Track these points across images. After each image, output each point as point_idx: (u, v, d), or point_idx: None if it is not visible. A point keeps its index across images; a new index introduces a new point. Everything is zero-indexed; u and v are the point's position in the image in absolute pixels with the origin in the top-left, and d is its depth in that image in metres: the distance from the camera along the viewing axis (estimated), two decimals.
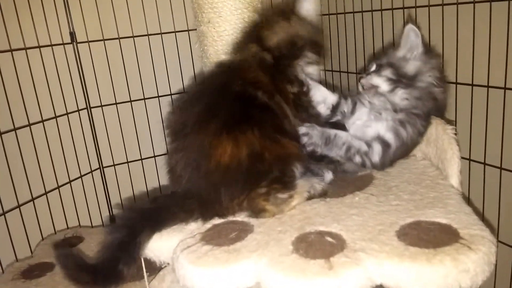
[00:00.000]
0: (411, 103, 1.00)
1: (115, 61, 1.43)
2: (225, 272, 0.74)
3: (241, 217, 0.90)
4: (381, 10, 1.35)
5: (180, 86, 1.52)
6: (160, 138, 1.51)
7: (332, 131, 0.99)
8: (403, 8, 1.27)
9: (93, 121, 1.45)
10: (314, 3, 1.04)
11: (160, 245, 0.86)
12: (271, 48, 1.02)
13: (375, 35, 1.40)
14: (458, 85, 1.17)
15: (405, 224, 0.79)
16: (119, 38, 1.41)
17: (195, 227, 0.88)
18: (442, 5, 1.16)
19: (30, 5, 1.25)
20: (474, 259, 0.67)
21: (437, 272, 0.66)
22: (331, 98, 1.05)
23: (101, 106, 1.45)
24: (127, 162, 1.51)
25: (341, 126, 1.05)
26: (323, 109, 1.04)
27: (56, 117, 1.34)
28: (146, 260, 0.90)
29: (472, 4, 1.09)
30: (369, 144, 0.99)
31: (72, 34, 1.36)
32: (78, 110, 1.41)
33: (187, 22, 1.46)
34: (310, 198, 0.93)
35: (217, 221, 0.89)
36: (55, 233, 1.36)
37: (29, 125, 1.26)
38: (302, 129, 0.97)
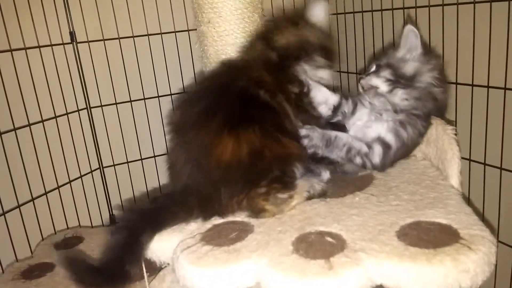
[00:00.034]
0: (411, 104, 1.00)
1: (115, 61, 1.43)
2: (225, 272, 0.74)
3: (241, 217, 0.90)
4: (381, 10, 1.35)
5: (180, 86, 1.52)
6: (160, 138, 1.52)
7: (333, 133, 0.99)
8: (403, 8, 1.27)
9: (93, 121, 1.45)
10: (324, 10, 1.05)
11: (160, 246, 0.86)
12: (277, 48, 1.03)
13: (375, 35, 1.40)
14: (458, 85, 1.17)
15: (405, 224, 0.79)
16: (119, 38, 1.41)
17: (195, 228, 0.88)
18: (442, 5, 1.16)
19: (30, 5, 1.25)
20: (474, 259, 0.67)
21: (437, 272, 0.66)
22: (333, 98, 1.05)
23: (101, 106, 1.45)
24: (127, 162, 1.51)
25: (341, 126, 1.05)
26: (325, 110, 1.04)
27: (56, 117, 1.34)
28: (146, 260, 0.90)
29: (472, 4, 1.09)
30: (369, 145, 0.99)
31: (72, 34, 1.36)
32: (78, 110, 1.41)
33: (187, 22, 1.46)
34: (309, 198, 0.93)
35: (217, 221, 0.89)
36: (55, 233, 1.36)
37: (29, 125, 1.26)
38: (303, 131, 0.97)
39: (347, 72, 1.50)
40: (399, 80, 1.00)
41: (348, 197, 0.93)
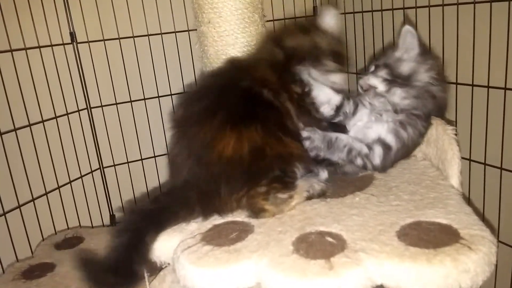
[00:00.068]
0: (411, 103, 1.00)
1: (115, 61, 1.43)
2: (226, 273, 0.74)
3: (241, 217, 0.90)
4: (381, 10, 1.35)
5: (180, 86, 1.52)
6: (160, 138, 1.53)
7: (333, 134, 0.99)
8: (403, 8, 1.27)
9: (93, 121, 1.45)
10: (336, 17, 1.06)
11: (161, 246, 0.86)
12: (285, 48, 1.04)
13: (375, 35, 1.40)
14: (458, 86, 1.17)
15: (405, 224, 0.79)
16: (119, 38, 1.42)
17: (195, 228, 0.88)
18: (443, 5, 1.16)
19: (30, 5, 1.25)
20: (475, 259, 0.67)
21: (437, 272, 0.67)
22: (335, 98, 1.05)
23: (101, 106, 1.45)
24: (127, 162, 1.51)
25: (342, 127, 1.05)
26: (327, 109, 1.04)
27: (56, 117, 1.34)
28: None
29: (472, 5, 1.09)
30: (370, 147, 1.00)
31: (72, 34, 1.36)
32: (78, 110, 1.41)
33: (187, 22, 1.46)
34: (309, 198, 0.93)
35: (217, 221, 0.89)
36: (56, 233, 1.36)
37: (29, 125, 1.26)
38: (304, 133, 0.98)
39: (347, 72, 1.50)
40: (396, 79, 1.01)
41: (348, 197, 0.93)
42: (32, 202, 1.28)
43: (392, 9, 1.31)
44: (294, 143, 0.94)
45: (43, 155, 1.31)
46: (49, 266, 1.16)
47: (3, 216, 1.19)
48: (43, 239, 1.32)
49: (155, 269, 1.07)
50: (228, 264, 0.74)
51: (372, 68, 1.07)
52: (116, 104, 1.46)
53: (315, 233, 0.80)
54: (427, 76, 1.01)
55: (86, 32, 1.38)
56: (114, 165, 1.50)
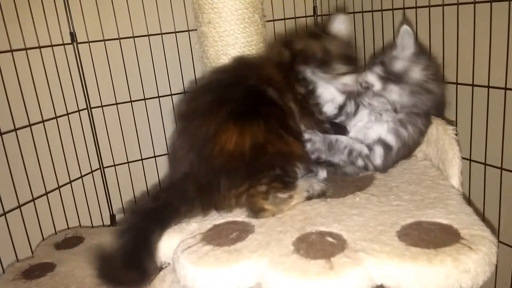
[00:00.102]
0: (409, 101, 1.00)
1: (115, 61, 1.43)
2: (226, 272, 0.74)
3: (241, 217, 0.90)
4: (382, 10, 1.35)
5: (181, 86, 1.52)
6: (161, 138, 1.53)
7: (333, 136, 1.00)
8: (404, 8, 1.27)
9: (94, 121, 1.45)
10: (345, 22, 1.08)
11: (161, 246, 0.86)
12: (293, 49, 1.05)
13: (376, 35, 1.40)
14: (458, 86, 1.18)
15: (406, 224, 0.79)
16: (119, 39, 1.42)
17: (195, 228, 0.87)
18: (443, 5, 1.16)
19: (31, 5, 1.25)
20: (475, 260, 0.67)
21: (438, 273, 0.66)
22: (339, 98, 1.05)
23: (102, 106, 1.45)
24: (128, 162, 1.51)
25: (342, 127, 1.05)
26: (331, 108, 1.04)
27: (56, 117, 1.34)
28: None
29: (472, 5, 1.09)
30: (370, 147, 1.00)
31: (73, 35, 1.36)
32: (79, 111, 1.41)
33: (187, 22, 1.46)
34: (309, 198, 0.93)
35: (217, 221, 0.89)
36: (56, 233, 1.36)
37: (30, 125, 1.26)
38: (305, 135, 0.98)
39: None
40: (390, 76, 1.01)
41: (348, 197, 0.93)
42: (32, 202, 1.28)
43: (392, 9, 1.31)
44: (296, 143, 0.94)
45: (43, 155, 1.31)
46: (49, 266, 1.16)
47: (3, 216, 1.19)
48: (43, 239, 1.32)
49: (156, 269, 1.07)
50: (228, 264, 0.74)
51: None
52: (116, 104, 1.46)
53: (316, 233, 0.80)
54: (420, 73, 1.01)
55: (87, 32, 1.38)
56: (114, 165, 1.50)
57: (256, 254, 0.76)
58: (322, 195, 0.95)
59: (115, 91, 1.45)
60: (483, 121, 1.12)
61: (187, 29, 1.47)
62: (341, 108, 1.05)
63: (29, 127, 1.26)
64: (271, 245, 0.78)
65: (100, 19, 1.38)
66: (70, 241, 1.29)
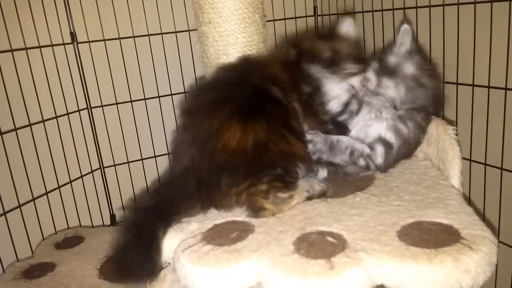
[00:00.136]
0: (405, 96, 1.00)
1: (115, 61, 1.43)
2: (226, 272, 0.74)
3: (241, 217, 0.90)
4: (382, 10, 1.35)
5: (181, 86, 1.52)
6: (161, 138, 1.53)
7: (335, 137, 1.00)
8: (404, 8, 1.27)
9: (94, 121, 1.45)
10: (353, 25, 1.10)
11: (162, 247, 0.86)
12: (300, 48, 1.06)
13: (376, 35, 1.40)
14: (459, 86, 1.18)
15: (406, 224, 0.79)
16: (119, 38, 1.42)
17: (196, 227, 0.87)
18: (443, 5, 1.16)
19: (31, 5, 1.25)
20: (475, 259, 0.67)
21: (438, 272, 0.67)
22: (344, 96, 1.05)
23: (102, 106, 1.45)
24: (128, 162, 1.51)
25: (344, 127, 1.05)
26: (336, 105, 1.04)
27: (56, 117, 1.34)
28: None
29: (473, 5, 1.09)
30: (371, 147, 1.00)
31: (73, 34, 1.36)
32: (79, 110, 1.41)
33: (187, 22, 1.46)
34: (309, 198, 0.93)
35: (218, 221, 0.89)
36: (56, 233, 1.35)
37: (30, 125, 1.26)
38: (307, 136, 0.98)
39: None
40: (384, 71, 1.02)
41: (349, 197, 0.93)
42: (33, 201, 1.28)
43: (393, 9, 1.31)
44: (299, 143, 0.94)
45: (43, 155, 1.31)
46: (49, 265, 1.16)
47: (4, 216, 1.19)
48: (43, 239, 1.32)
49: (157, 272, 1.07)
50: (229, 264, 0.74)
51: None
52: (117, 104, 1.46)
53: (316, 233, 0.80)
54: (413, 69, 1.02)
55: (87, 32, 1.38)
56: (115, 165, 1.49)
57: (257, 254, 0.76)
58: (322, 195, 0.95)
59: (115, 91, 1.45)
60: (483, 121, 1.12)
61: (187, 29, 1.47)
62: (346, 105, 1.05)
63: (29, 127, 1.26)
64: (271, 245, 0.78)
65: (100, 19, 1.38)
66: (70, 241, 1.29)
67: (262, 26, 1.28)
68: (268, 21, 1.41)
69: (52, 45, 1.31)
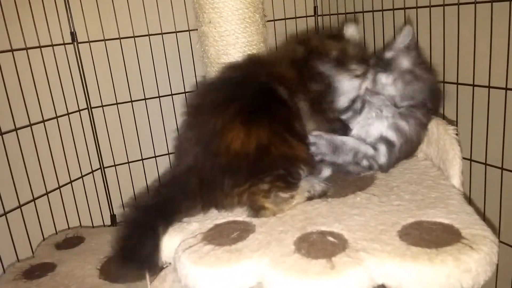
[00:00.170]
0: (403, 91, 1.01)
1: (116, 61, 1.43)
2: (227, 272, 0.74)
3: (242, 217, 0.90)
4: (382, 10, 1.35)
5: (181, 86, 1.52)
6: (161, 138, 1.53)
7: (339, 139, 1.00)
8: (404, 8, 1.27)
9: (94, 121, 1.45)
10: (356, 30, 1.13)
11: (162, 245, 0.86)
12: (308, 45, 1.06)
13: (376, 35, 1.40)
14: (459, 86, 1.17)
15: (406, 224, 0.79)
16: (120, 38, 1.42)
17: (196, 227, 0.87)
18: (443, 5, 1.16)
19: (31, 5, 1.25)
20: (476, 259, 0.67)
21: (439, 272, 0.67)
22: (352, 92, 1.05)
23: (102, 106, 1.45)
24: (128, 162, 1.51)
25: (346, 126, 1.05)
26: (343, 101, 1.04)
27: (57, 117, 1.34)
28: None
29: (473, 5, 1.09)
30: (374, 147, 1.00)
31: (73, 34, 1.36)
32: (79, 110, 1.41)
33: (188, 22, 1.46)
34: (310, 198, 0.93)
35: (218, 220, 0.89)
36: (56, 233, 1.36)
37: (30, 125, 1.26)
38: (311, 139, 0.98)
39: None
40: (379, 65, 1.04)
41: (349, 197, 0.93)
42: (33, 202, 1.28)
43: (393, 9, 1.31)
44: (301, 146, 0.94)
45: (43, 155, 1.31)
46: (49, 266, 1.16)
47: (4, 216, 1.19)
48: (43, 239, 1.32)
49: (156, 269, 1.07)
50: (229, 264, 0.74)
51: None
52: (117, 104, 1.46)
53: (317, 233, 0.80)
54: (408, 62, 1.03)
55: (87, 32, 1.38)
56: (115, 165, 1.49)
57: (257, 253, 0.76)
58: (323, 195, 0.95)
59: (115, 91, 1.45)
60: (484, 121, 1.12)
61: (187, 29, 1.47)
62: (353, 102, 1.05)
63: (29, 127, 1.26)
64: (272, 245, 0.78)
65: (100, 19, 1.38)
66: (70, 241, 1.29)
67: (262, 26, 1.28)
68: (268, 21, 1.41)
69: (52, 45, 1.32)
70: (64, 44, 1.35)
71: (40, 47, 1.28)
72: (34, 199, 1.28)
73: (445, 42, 1.19)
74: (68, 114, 1.38)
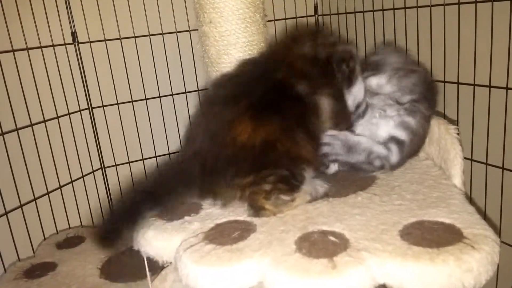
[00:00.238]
0: (400, 85, 1.02)
1: (116, 61, 1.43)
2: (228, 272, 0.74)
3: (243, 216, 0.90)
4: (383, 10, 1.35)
5: (182, 86, 1.52)
6: (162, 138, 1.53)
7: (353, 139, 1.00)
8: (405, 8, 1.27)
9: (95, 121, 1.45)
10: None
11: (163, 245, 0.86)
12: (329, 46, 1.06)
13: (377, 35, 1.40)
14: (460, 85, 1.17)
15: (408, 223, 0.79)
16: (120, 39, 1.42)
17: (197, 227, 0.88)
18: (444, 5, 1.16)
19: (32, 5, 1.25)
20: (478, 259, 0.67)
21: (440, 272, 0.66)
22: (360, 95, 1.06)
23: (103, 106, 1.45)
24: (129, 162, 1.51)
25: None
26: (351, 102, 1.05)
27: (58, 117, 1.34)
28: (148, 259, 0.90)
29: (473, 4, 1.09)
30: (387, 147, 1.00)
31: (74, 35, 1.37)
32: (80, 110, 1.42)
33: (188, 22, 1.47)
34: (312, 200, 0.93)
35: (219, 220, 0.89)
36: (57, 232, 1.36)
37: (31, 125, 1.26)
38: (325, 139, 0.98)
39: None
40: (367, 68, 1.05)
41: (350, 197, 0.93)
42: (34, 201, 1.28)
43: (393, 9, 1.31)
44: (308, 145, 0.93)
45: (44, 155, 1.31)
46: (50, 265, 1.16)
47: (5, 216, 1.19)
48: (44, 239, 1.32)
49: (157, 268, 1.07)
50: (230, 263, 0.74)
51: None
52: (118, 104, 1.46)
53: (318, 232, 0.80)
54: (396, 59, 1.05)
55: (88, 32, 1.38)
56: (116, 165, 1.50)
57: (258, 253, 0.76)
58: (325, 196, 0.95)
59: (116, 91, 1.45)
60: (484, 121, 1.12)
61: (188, 29, 1.47)
62: (358, 106, 1.05)
63: (30, 127, 1.26)
64: (273, 244, 0.77)
65: (101, 19, 1.38)
66: (71, 241, 1.30)
67: (263, 26, 1.28)
68: (269, 21, 1.41)
69: (53, 45, 1.32)
70: (65, 44, 1.35)
71: (41, 47, 1.28)
72: (35, 199, 1.28)
73: (446, 41, 1.19)
74: (69, 114, 1.38)
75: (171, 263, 0.88)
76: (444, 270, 0.66)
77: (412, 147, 1.02)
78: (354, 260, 0.70)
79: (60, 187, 1.36)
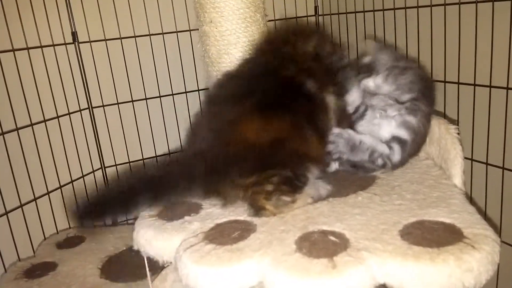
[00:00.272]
0: (397, 83, 1.01)
1: (116, 61, 1.43)
2: (228, 272, 0.74)
3: (243, 216, 0.90)
4: (383, 10, 1.35)
5: (182, 86, 1.52)
6: (162, 138, 1.53)
7: (357, 137, 1.00)
8: (405, 8, 1.27)
9: (95, 121, 1.45)
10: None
11: (163, 244, 0.86)
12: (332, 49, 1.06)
13: (377, 35, 1.40)
14: (460, 85, 1.17)
15: (408, 223, 0.79)
16: (120, 38, 1.42)
17: (198, 226, 0.87)
18: (444, 5, 1.16)
19: (32, 5, 1.25)
20: (478, 258, 0.67)
21: (440, 272, 0.66)
22: (358, 99, 1.06)
23: (103, 106, 1.45)
24: (129, 162, 1.51)
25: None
26: (350, 105, 1.05)
27: (58, 117, 1.34)
28: (148, 259, 0.90)
29: (474, 4, 1.09)
30: (390, 146, 1.00)
31: (74, 34, 1.37)
32: (80, 110, 1.42)
33: (188, 22, 1.47)
34: (313, 202, 0.93)
35: (219, 220, 0.89)
36: (57, 232, 1.36)
37: (31, 125, 1.26)
38: (331, 137, 0.98)
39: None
40: (360, 70, 1.05)
41: (351, 197, 0.93)
42: (34, 201, 1.28)
43: (394, 9, 1.31)
44: (316, 144, 0.92)
45: (44, 155, 1.31)
46: (51, 265, 1.16)
47: (5, 216, 1.19)
48: (44, 238, 1.32)
49: (157, 268, 1.07)
50: (231, 263, 0.74)
51: None
52: (118, 104, 1.46)
53: (318, 232, 0.79)
54: (388, 57, 1.04)
55: (88, 32, 1.38)
56: (116, 165, 1.50)
57: (258, 253, 0.75)
58: (326, 198, 0.95)
59: (116, 90, 1.45)
60: (485, 120, 1.12)
61: (188, 29, 1.47)
62: (356, 110, 1.05)
63: (30, 127, 1.26)
64: (273, 244, 0.77)
65: (101, 19, 1.39)
66: (71, 241, 1.30)
67: (263, 26, 1.28)
68: (269, 20, 1.41)
69: (53, 45, 1.32)
70: (65, 44, 1.35)
71: (41, 47, 1.28)
72: (35, 199, 1.28)
73: (446, 41, 1.19)
74: (69, 113, 1.38)
75: (171, 263, 0.88)
76: (444, 270, 0.66)
77: (414, 146, 1.02)
78: (354, 260, 0.70)
79: (60, 187, 1.36)
